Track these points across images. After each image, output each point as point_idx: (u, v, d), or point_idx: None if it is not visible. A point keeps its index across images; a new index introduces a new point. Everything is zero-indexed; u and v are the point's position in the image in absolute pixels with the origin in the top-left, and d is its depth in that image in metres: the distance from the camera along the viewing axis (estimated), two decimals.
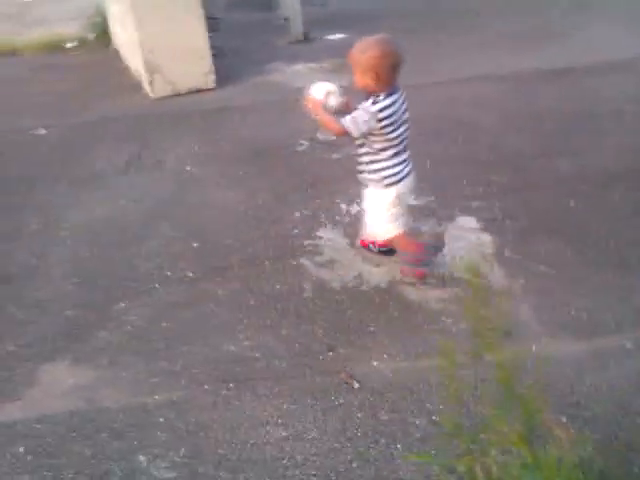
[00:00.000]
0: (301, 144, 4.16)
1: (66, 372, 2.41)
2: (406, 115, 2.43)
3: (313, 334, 2.47)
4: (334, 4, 8.23)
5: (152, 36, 5.13)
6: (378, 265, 2.81)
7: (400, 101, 2.39)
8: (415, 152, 2.59)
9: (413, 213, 2.88)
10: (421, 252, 2.66)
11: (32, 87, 6.06)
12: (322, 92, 2.41)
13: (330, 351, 2.38)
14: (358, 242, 2.92)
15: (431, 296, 2.61)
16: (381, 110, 2.32)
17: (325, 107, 2.39)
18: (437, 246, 2.80)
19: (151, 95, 5.35)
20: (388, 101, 2.33)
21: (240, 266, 2.91)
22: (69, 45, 8.25)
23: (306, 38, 7.18)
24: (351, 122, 2.32)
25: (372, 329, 2.47)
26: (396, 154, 2.44)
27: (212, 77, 5.43)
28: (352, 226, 3.07)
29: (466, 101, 4.66)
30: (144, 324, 2.62)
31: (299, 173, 3.75)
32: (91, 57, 7.39)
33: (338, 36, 7.34)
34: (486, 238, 2.97)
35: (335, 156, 3.85)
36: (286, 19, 7.00)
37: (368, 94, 2.36)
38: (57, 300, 2.81)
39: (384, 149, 2.42)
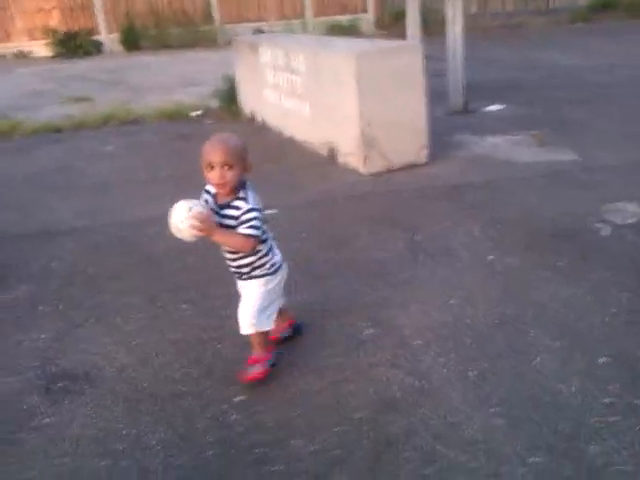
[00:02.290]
0: (597, 227, 3.67)
1: None
2: None
3: None
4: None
5: (372, 109, 4.74)
6: None
7: None
8: None
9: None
10: (272, 353, 2.52)
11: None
12: (196, 208, 2.11)
13: None
14: None
15: None
16: (255, 202, 2.22)
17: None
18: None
19: (362, 171, 4.91)
20: (253, 190, 2.25)
21: None
22: (193, 114, 7.97)
23: (465, 109, 6.87)
24: (253, 229, 2.18)
25: None
26: (269, 242, 2.39)
27: (425, 152, 5.01)
28: None
29: None
30: None
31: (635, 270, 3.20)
32: (229, 127, 7.02)
33: (496, 107, 7.04)
34: None
35: None
36: None
37: (232, 190, 2.20)
38: None
39: (264, 241, 2.33)
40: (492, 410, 2.24)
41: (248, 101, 7.31)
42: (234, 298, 2.49)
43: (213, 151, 2.16)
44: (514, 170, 4.75)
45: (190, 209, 2.10)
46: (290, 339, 2.72)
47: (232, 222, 2.20)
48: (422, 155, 4.96)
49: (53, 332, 2.94)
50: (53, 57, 14.37)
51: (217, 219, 2.21)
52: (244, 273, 2.37)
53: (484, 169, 4.82)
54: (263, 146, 6.03)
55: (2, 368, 2.69)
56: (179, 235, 2.16)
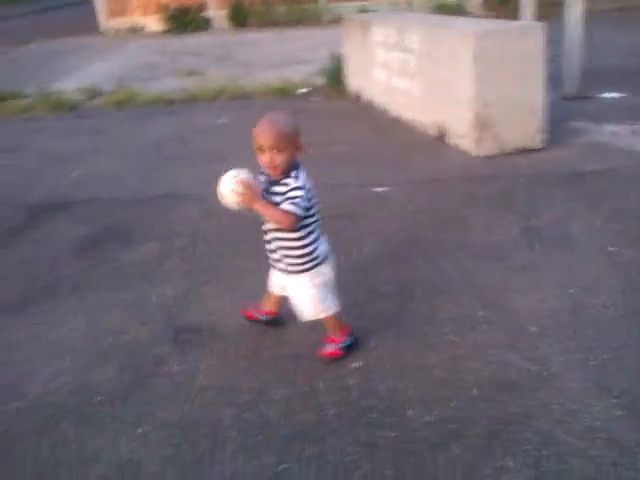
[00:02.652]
0: None
1: None
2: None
3: None
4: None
5: (489, 90, 4.64)
6: None
7: None
8: None
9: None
10: (348, 336, 2.48)
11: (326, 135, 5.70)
12: (242, 176, 2.12)
13: None
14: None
15: None
16: (305, 183, 2.16)
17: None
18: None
19: (474, 152, 4.83)
20: (303, 172, 2.19)
21: None
22: (300, 91, 8.07)
23: (580, 95, 6.57)
24: (295, 206, 2.12)
25: None
26: (318, 229, 2.30)
27: (541, 136, 4.85)
28: None
29: None
30: None
31: None
32: (335, 105, 7.07)
33: (614, 95, 6.69)
34: None
35: None
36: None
37: (283, 172, 2.15)
38: None
39: (308, 226, 2.24)
40: (613, 401, 2.19)
41: (355, 79, 7.33)
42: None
43: (263, 134, 2.12)
44: (636, 160, 4.52)
45: (235, 177, 2.12)
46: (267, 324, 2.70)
47: (278, 198, 2.18)
48: (538, 139, 4.82)
49: (179, 288, 3.12)
50: (164, 32, 14.92)
51: (265, 195, 2.19)
52: (285, 262, 2.32)
53: (603, 157, 4.62)
54: (370, 124, 6.06)
55: (133, 318, 2.89)
56: (224, 202, 2.18)
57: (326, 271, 2.34)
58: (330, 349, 2.46)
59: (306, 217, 2.20)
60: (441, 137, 5.24)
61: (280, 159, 2.12)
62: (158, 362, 2.56)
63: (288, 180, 2.17)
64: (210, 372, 2.48)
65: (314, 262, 2.30)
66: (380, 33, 6.41)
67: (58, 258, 3.54)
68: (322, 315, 2.40)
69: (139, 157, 5.51)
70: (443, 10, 14.24)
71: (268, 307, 2.65)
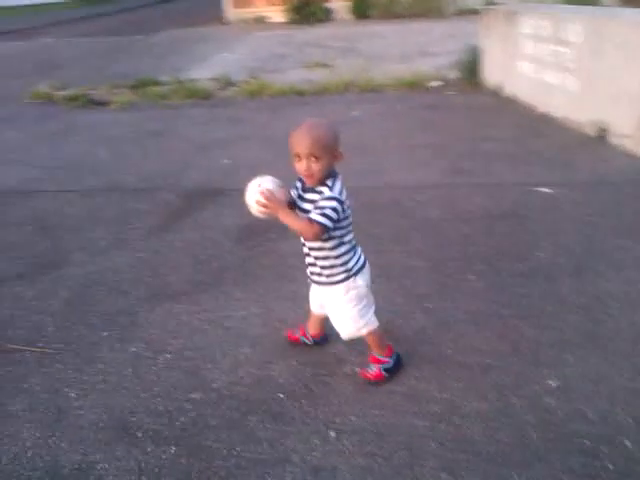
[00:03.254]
0: None
1: None
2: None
3: None
4: None
5: None
6: None
7: None
8: None
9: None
10: (391, 356, 2.35)
11: (471, 131, 5.48)
12: (270, 185, 2.05)
13: None
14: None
15: None
16: (341, 193, 2.05)
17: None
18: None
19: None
20: (341, 180, 2.08)
21: None
22: (433, 84, 7.82)
23: None
24: (323, 217, 2.00)
25: None
26: (352, 240, 2.17)
27: None
28: None
29: None
30: None
31: None
32: (474, 99, 6.77)
33: None
34: None
35: None
36: None
37: (319, 180, 2.05)
38: None
39: (342, 237, 2.12)
40: None
41: (493, 73, 7.01)
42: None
43: (299, 142, 2.02)
44: None
45: (259, 185, 2.05)
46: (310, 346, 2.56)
47: (310, 206, 2.06)
48: None
49: None
50: (287, 23, 15.06)
51: (299, 202, 2.11)
52: (323, 275, 2.18)
53: None
54: (515, 120, 5.76)
55: (304, 312, 2.80)
56: (249, 210, 2.09)
57: (361, 283, 2.20)
58: (374, 371, 2.34)
59: (338, 228, 2.08)
60: (601, 136, 4.86)
61: (317, 167, 2.02)
62: (338, 360, 2.46)
63: (323, 188, 2.06)
64: (394, 375, 2.35)
65: (347, 273, 2.17)
66: (529, 24, 6.07)
67: (220, 245, 3.55)
68: (363, 332, 2.27)
69: (284, 147, 5.47)
70: (575, 2, 13.46)
71: (312, 330, 2.54)
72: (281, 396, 2.29)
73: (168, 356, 2.55)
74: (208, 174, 4.80)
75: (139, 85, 8.43)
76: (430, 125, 5.77)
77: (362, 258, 2.23)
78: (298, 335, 2.58)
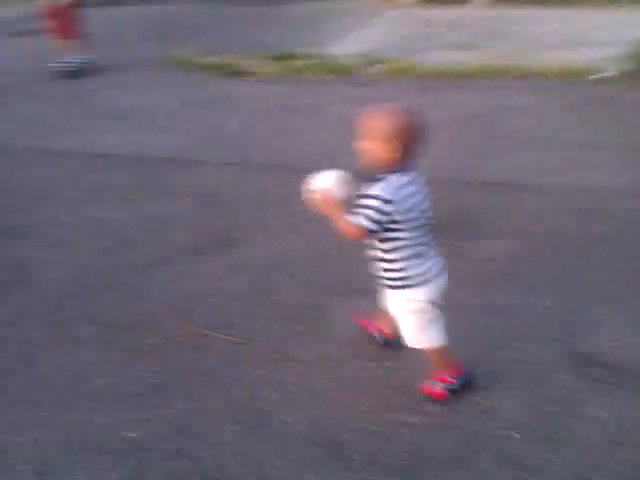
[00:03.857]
0: None
1: None
2: (427, 203, 1.94)
3: None
4: None
5: None
6: None
7: (418, 183, 1.92)
8: None
9: None
10: (458, 377, 2.13)
11: None
12: (330, 182, 1.91)
13: None
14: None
15: None
16: (395, 192, 1.85)
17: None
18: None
19: None
20: (404, 179, 1.88)
21: None
22: (594, 77, 7.18)
23: None
24: (361, 217, 1.86)
25: None
26: (420, 247, 1.95)
27: None
28: None
29: None
30: None
31: None
32: None
33: None
34: None
35: None
36: None
37: (376, 173, 1.89)
38: None
39: (398, 240, 1.92)
40: None
41: None
42: None
43: (370, 124, 1.90)
44: None
45: (319, 183, 1.94)
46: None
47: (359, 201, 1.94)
48: None
49: (559, 300, 2.63)
50: (419, 2, 14.49)
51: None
52: (383, 278, 2.04)
53: None
54: None
55: (522, 333, 2.47)
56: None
57: (422, 298, 2.00)
58: (436, 388, 2.15)
59: (392, 230, 1.90)
60: None
61: (376, 153, 1.88)
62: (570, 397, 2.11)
63: (376, 183, 1.90)
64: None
65: (404, 282, 1.99)
66: None
67: None
68: (422, 346, 2.12)
69: (450, 135, 5.10)
70: None
71: (387, 329, 2.34)
72: (516, 436, 1.96)
73: (370, 364, 2.29)
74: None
75: (280, 58, 8.30)
76: (600, 122, 5.21)
77: (433, 271, 2.01)
78: (372, 328, 2.41)
